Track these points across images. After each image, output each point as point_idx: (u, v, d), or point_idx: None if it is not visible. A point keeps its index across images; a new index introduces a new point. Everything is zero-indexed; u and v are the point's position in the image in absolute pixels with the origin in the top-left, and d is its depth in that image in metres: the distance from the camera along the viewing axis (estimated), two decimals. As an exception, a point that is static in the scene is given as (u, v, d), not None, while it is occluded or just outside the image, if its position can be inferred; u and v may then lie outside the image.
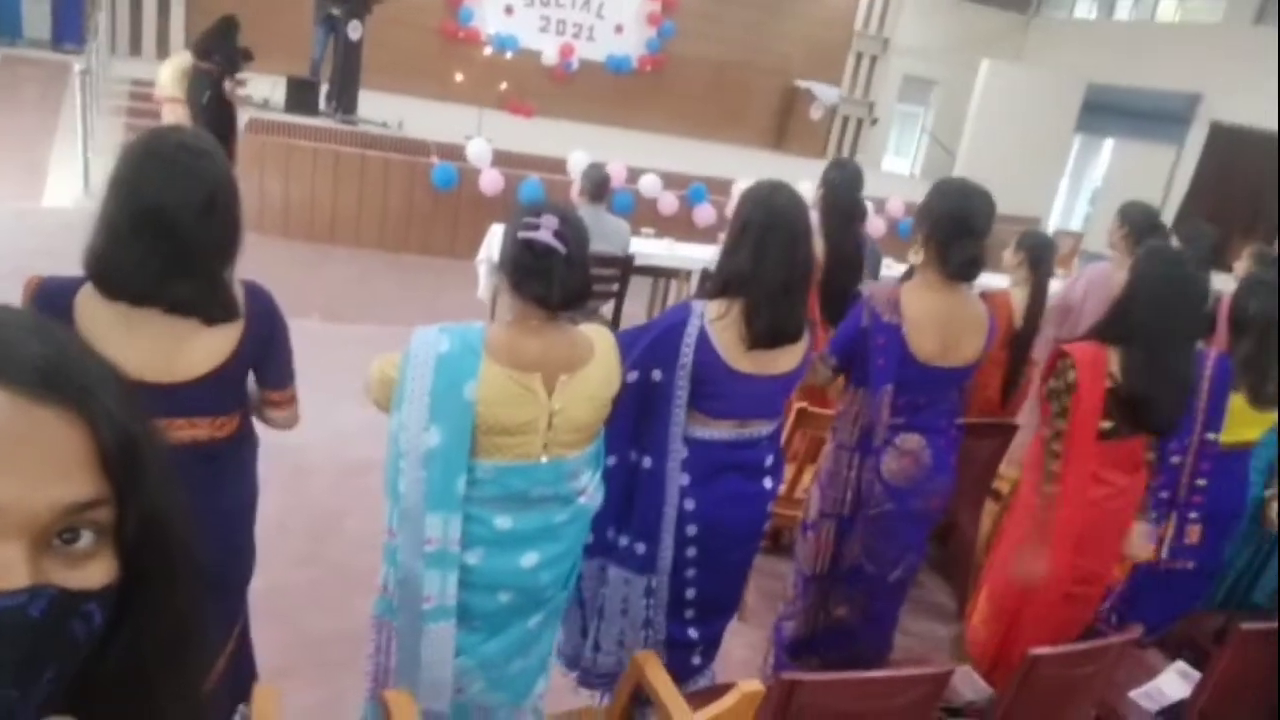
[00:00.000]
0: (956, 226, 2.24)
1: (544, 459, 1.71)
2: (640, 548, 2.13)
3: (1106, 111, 12.93)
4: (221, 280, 1.60)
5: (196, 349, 1.60)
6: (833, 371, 2.43)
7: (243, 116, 6.95)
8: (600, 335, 1.81)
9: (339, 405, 3.40)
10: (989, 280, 4.19)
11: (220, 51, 6.50)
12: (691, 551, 2.13)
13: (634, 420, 2.06)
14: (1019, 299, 3.45)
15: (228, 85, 6.43)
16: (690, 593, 2.18)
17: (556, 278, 1.63)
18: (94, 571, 0.54)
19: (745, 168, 8.51)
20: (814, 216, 2.74)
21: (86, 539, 0.54)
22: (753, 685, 1.53)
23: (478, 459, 1.66)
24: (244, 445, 1.79)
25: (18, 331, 0.54)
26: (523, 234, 1.64)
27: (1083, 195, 15.01)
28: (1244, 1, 11.60)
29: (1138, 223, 3.59)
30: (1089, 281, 3.70)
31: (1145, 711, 2.25)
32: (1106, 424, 2.20)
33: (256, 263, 1.85)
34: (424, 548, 1.67)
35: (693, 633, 2.25)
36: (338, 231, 7.35)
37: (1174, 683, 2.29)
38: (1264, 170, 10.83)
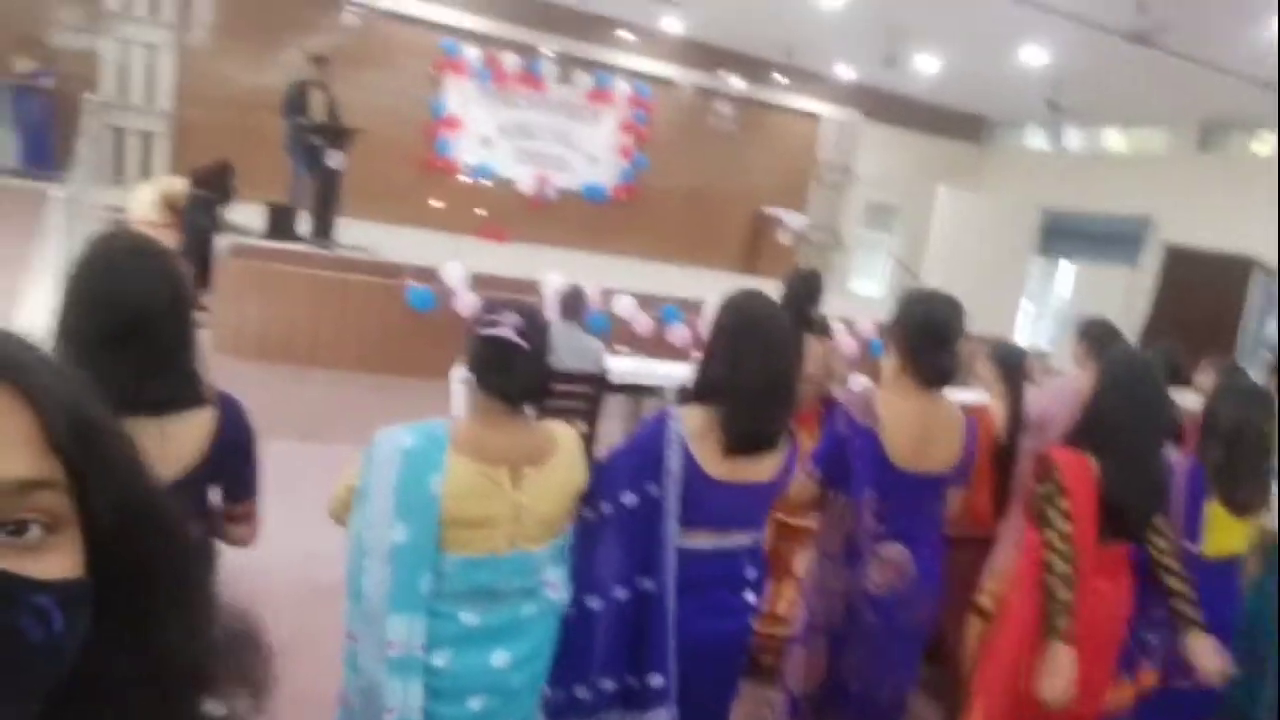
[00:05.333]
0: (926, 334, 2.30)
1: (510, 552, 1.69)
2: (656, 680, 2.00)
3: (1062, 235, 13.44)
4: (194, 371, 1.60)
5: (165, 454, 1.58)
6: (818, 485, 2.41)
7: (221, 242, 7.06)
8: (563, 430, 1.85)
9: (312, 526, 3.31)
10: (963, 395, 4.25)
11: (219, 186, 6.78)
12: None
13: (641, 544, 1.98)
14: (998, 411, 3.48)
15: (219, 212, 6.64)
16: (674, 710, 2.09)
17: (518, 372, 1.69)
18: (47, 563, 0.49)
19: (718, 289, 8.68)
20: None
21: (35, 531, 0.49)
22: None
23: (444, 552, 1.64)
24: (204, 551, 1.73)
25: None
26: (486, 330, 1.69)
27: (1046, 315, 15.42)
28: (1187, 132, 12.26)
29: (1097, 336, 3.68)
30: (1056, 392, 3.76)
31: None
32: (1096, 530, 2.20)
33: (234, 385, 1.84)
34: (387, 652, 1.62)
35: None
36: (316, 353, 7.37)
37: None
38: (1219, 289, 11.21)
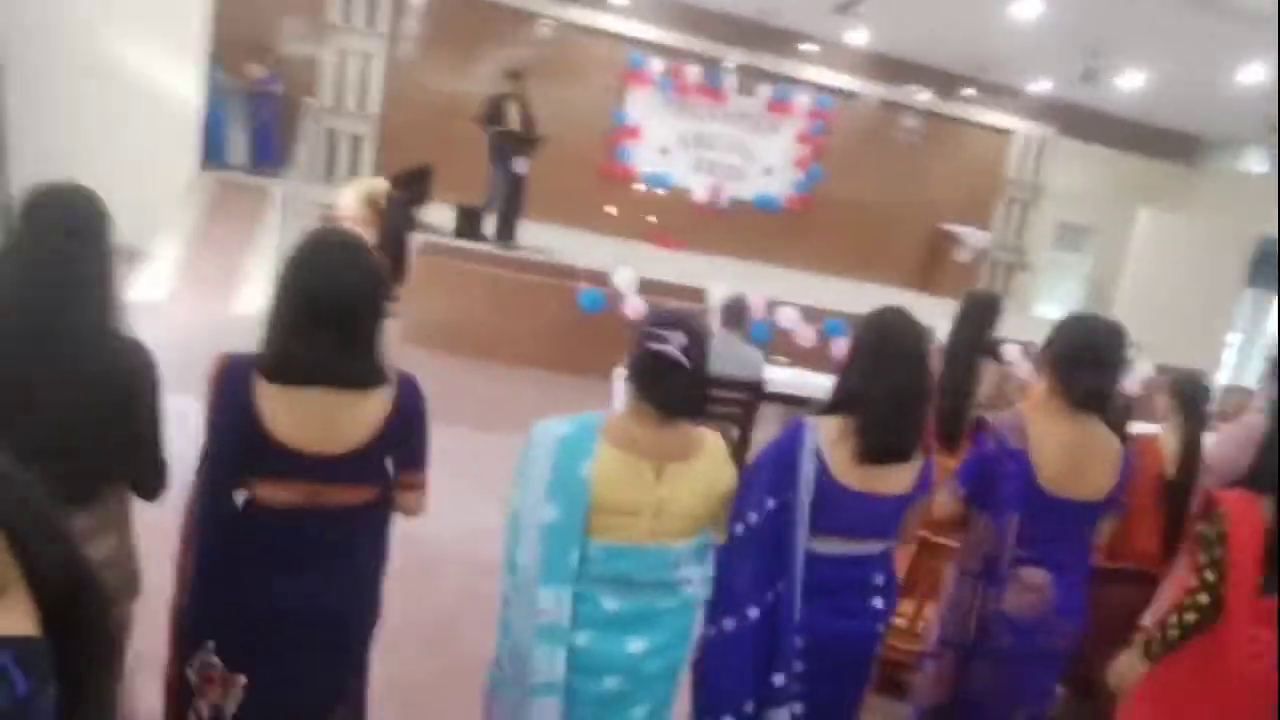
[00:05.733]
0: (1080, 355, 2.26)
1: (650, 543, 1.80)
2: (779, 679, 2.08)
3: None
4: (378, 355, 1.81)
5: (350, 425, 1.80)
6: (962, 502, 2.41)
7: (415, 240, 7.63)
8: (710, 435, 1.94)
9: (478, 506, 3.59)
10: (1140, 428, 4.03)
11: (418, 187, 7.43)
12: (799, 667, 2.11)
13: (774, 552, 2.06)
14: (1169, 445, 3.29)
15: (414, 213, 7.24)
16: (797, 709, 2.15)
17: (678, 389, 1.80)
18: None
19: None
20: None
21: None
22: None
23: (590, 538, 1.78)
24: (380, 512, 1.95)
25: None
26: (652, 345, 1.80)
27: (1257, 352, 14.13)
28: None
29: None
30: (1235, 431, 3.51)
31: None
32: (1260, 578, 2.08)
33: (417, 373, 2.01)
34: (537, 620, 1.77)
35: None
36: (492, 347, 7.82)
37: None
38: None
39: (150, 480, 1.93)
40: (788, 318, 8.19)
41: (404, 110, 10.96)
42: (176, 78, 8.66)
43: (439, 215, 8.67)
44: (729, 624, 2.05)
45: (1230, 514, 2.10)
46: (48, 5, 7.96)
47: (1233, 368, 13.73)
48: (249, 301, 7.82)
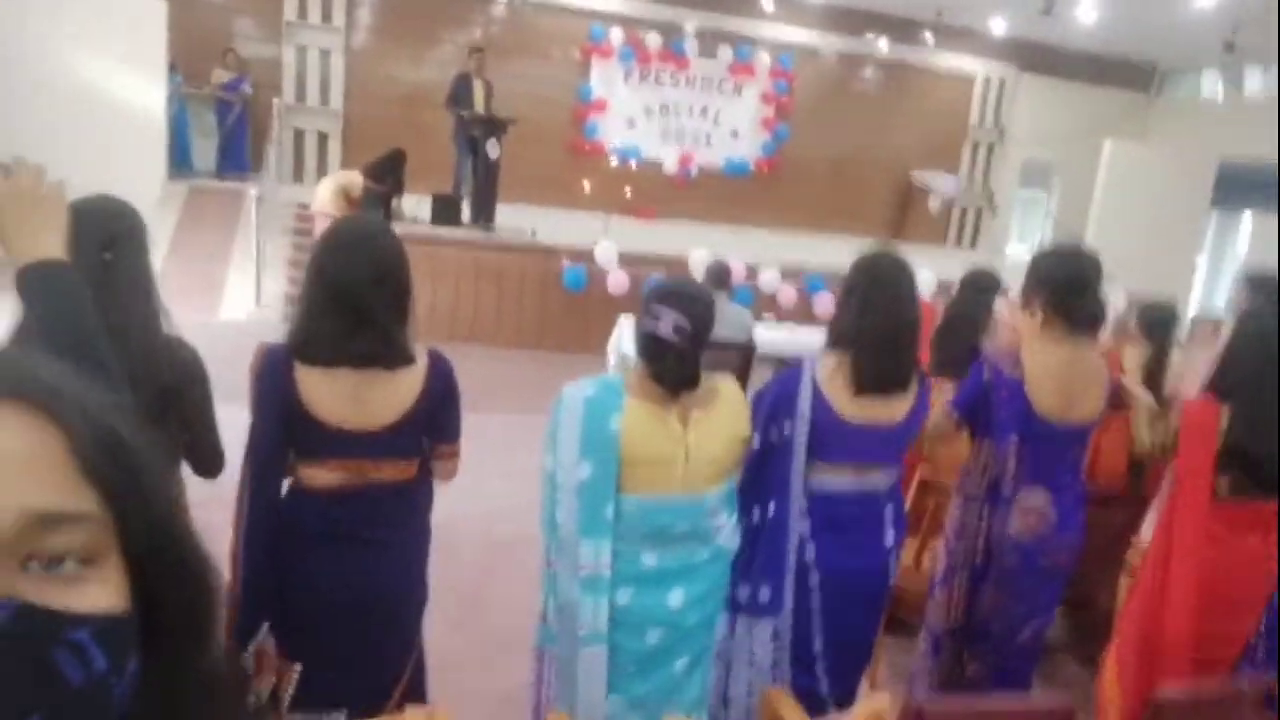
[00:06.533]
0: (1074, 283, 2.39)
1: (683, 493, 1.92)
2: (764, 593, 2.26)
3: (1242, 185, 12.50)
4: (395, 335, 1.90)
5: (383, 401, 1.91)
6: (955, 425, 2.55)
7: (396, 229, 7.68)
8: (725, 382, 2.06)
9: (484, 486, 3.70)
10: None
11: (392, 175, 7.45)
12: (815, 600, 2.26)
13: (755, 478, 2.23)
14: (1132, 368, 3.42)
15: (395, 203, 7.26)
16: (817, 643, 2.29)
17: (670, 367, 1.91)
18: (84, 595, 0.46)
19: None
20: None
21: (70, 564, 0.46)
22: (880, 700, 1.63)
23: (623, 493, 1.90)
24: (423, 487, 2.07)
25: None
26: (648, 325, 1.92)
27: (1225, 273, 14.39)
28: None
29: (1259, 286, 3.53)
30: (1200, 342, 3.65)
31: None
32: (1223, 482, 2.23)
33: None
34: (579, 574, 1.89)
35: (822, 687, 2.35)
36: (477, 331, 7.90)
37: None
38: None
39: (208, 463, 2.05)
40: (769, 279, 8.31)
41: (367, 103, 10.93)
42: (139, 88, 8.60)
43: (414, 205, 8.71)
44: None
45: (1185, 419, 2.24)
46: (5, 21, 7.86)
47: (1201, 288, 13.99)
48: (234, 307, 7.84)
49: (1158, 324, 3.40)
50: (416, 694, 2.15)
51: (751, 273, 8.32)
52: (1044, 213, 14.91)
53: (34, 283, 0.99)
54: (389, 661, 2.06)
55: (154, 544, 0.49)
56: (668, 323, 1.89)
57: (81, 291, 1.02)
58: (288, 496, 1.95)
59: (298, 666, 1.93)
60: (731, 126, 12.55)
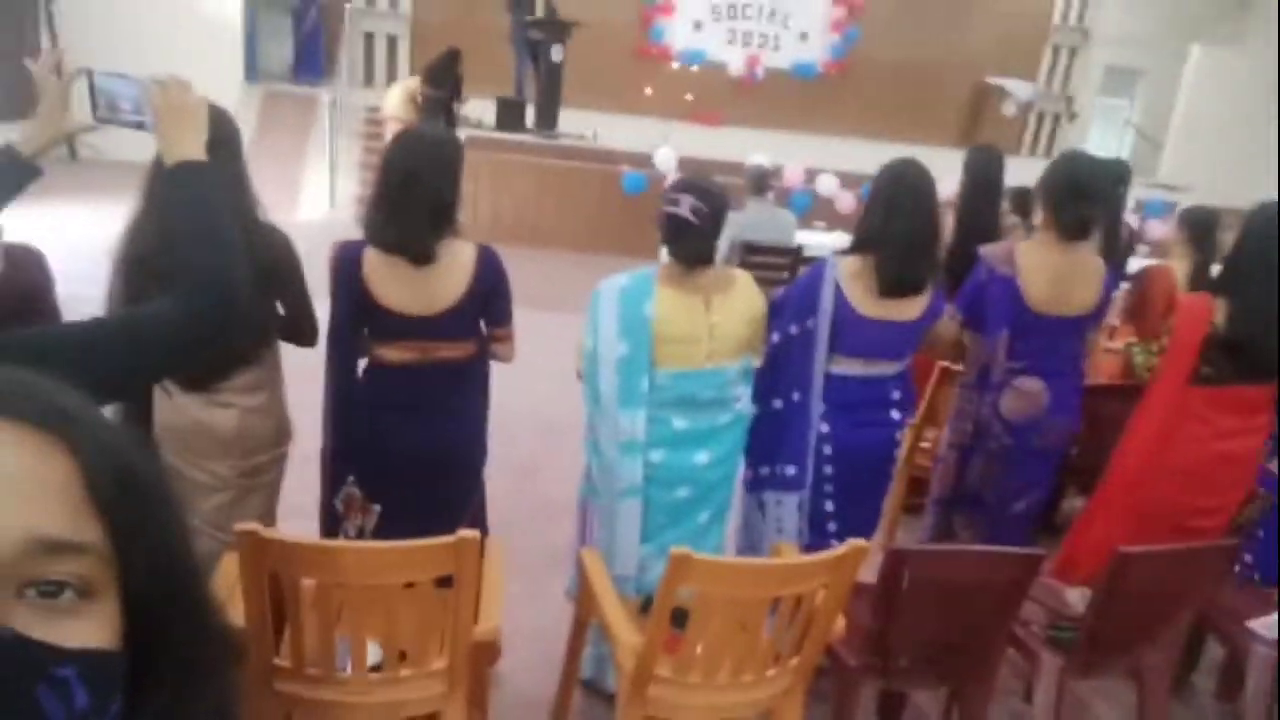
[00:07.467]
0: (1068, 189, 2.52)
1: (707, 365, 2.22)
2: (790, 470, 2.51)
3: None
4: (441, 231, 2.16)
5: (439, 289, 2.20)
6: (959, 325, 2.73)
7: (460, 134, 7.90)
8: (739, 271, 2.37)
9: (538, 377, 4.01)
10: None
11: (450, 78, 7.59)
12: (829, 470, 2.51)
13: (779, 368, 2.47)
14: (1181, 272, 3.48)
15: (455, 108, 7.43)
16: (829, 507, 2.55)
17: (690, 243, 2.20)
18: (76, 629, 0.45)
19: (931, 165, 8.59)
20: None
21: (68, 595, 0.45)
22: (861, 542, 1.86)
23: (657, 367, 2.20)
24: (480, 364, 2.37)
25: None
26: (669, 208, 2.19)
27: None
28: None
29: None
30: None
31: (1263, 639, 2.40)
32: (1206, 369, 2.38)
33: None
34: (619, 438, 2.23)
35: (834, 545, 2.61)
36: (542, 235, 8.16)
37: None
38: None
39: (306, 334, 2.32)
40: (827, 185, 8.33)
41: (434, 6, 11.03)
42: (217, -6, 8.85)
43: (478, 110, 8.89)
44: (758, 408, 2.47)
45: (1179, 311, 2.40)
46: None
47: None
48: (311, 208, 8.22)
49: (1201, 229, 3.39)
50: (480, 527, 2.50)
51: (809, 178, 8.35)
52: (1123, 120, 14.37)
53: (184, 179, 1.21)
54: (455, 505, 2.38)
55: (156, 582, 0.49)
56: (686, 206, 2.14)
57: (219, 186, 1.24)
58: (367, 371, 2.28)
59: (377, 508, 2.32)
60: (801, 29, 12.33)
